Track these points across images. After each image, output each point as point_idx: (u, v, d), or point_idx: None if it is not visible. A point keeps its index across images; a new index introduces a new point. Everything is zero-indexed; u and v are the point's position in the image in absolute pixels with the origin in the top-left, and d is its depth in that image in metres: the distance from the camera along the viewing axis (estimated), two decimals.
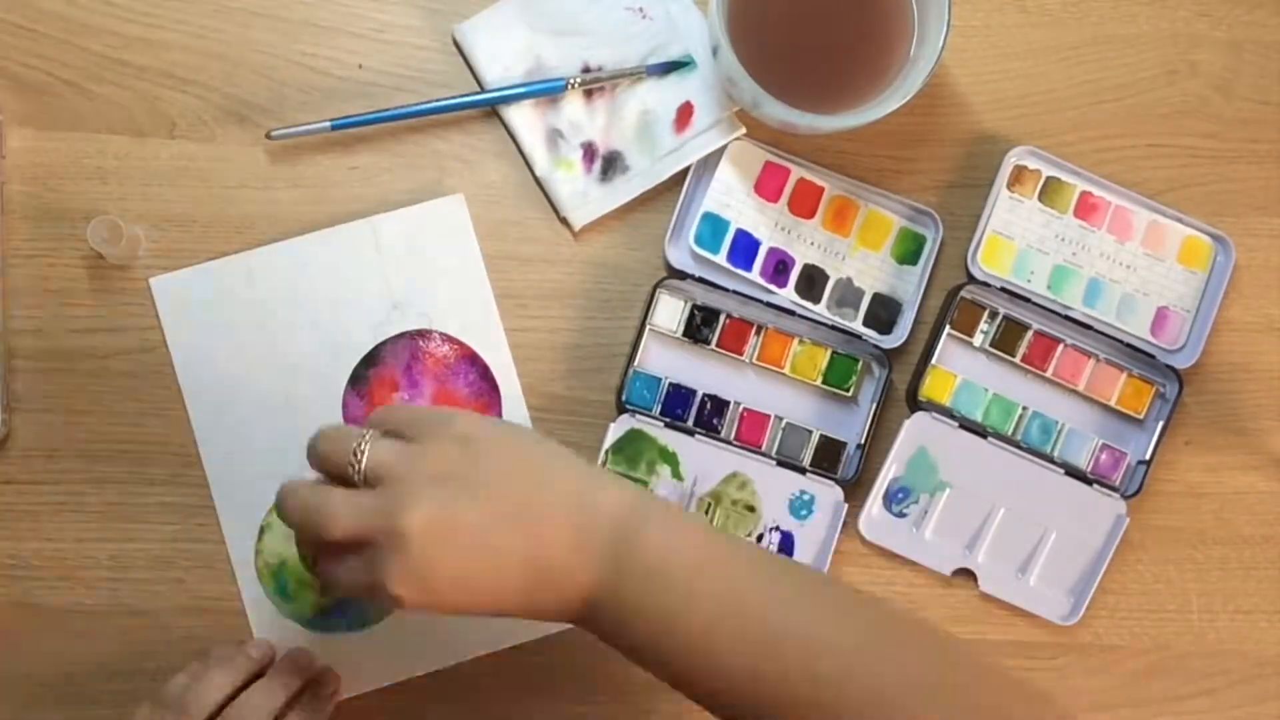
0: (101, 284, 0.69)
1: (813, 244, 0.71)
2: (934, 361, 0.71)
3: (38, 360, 0.69)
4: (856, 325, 0.71)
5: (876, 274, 0.71)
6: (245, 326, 0.69)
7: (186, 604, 0.69)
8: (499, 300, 0.71)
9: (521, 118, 0.70)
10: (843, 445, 0.71)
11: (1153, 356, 0.71)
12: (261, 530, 0.69)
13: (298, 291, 0.69)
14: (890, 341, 0.71)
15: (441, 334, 0.70)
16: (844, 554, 0.71)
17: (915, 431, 0.70)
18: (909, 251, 0.71)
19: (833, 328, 0.71)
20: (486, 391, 0.70)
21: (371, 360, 0.70)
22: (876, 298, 0.71)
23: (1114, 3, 0.74)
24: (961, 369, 0.71)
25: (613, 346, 0.71)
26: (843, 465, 0.71)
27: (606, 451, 0.69)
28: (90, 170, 0.69)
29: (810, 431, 0.71)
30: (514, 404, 0.70)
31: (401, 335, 0.70)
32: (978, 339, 0.71)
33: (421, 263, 0.70)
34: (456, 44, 0.71)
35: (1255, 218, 0.74)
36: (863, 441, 0.70)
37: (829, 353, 0.71)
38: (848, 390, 0.71)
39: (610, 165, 0.71)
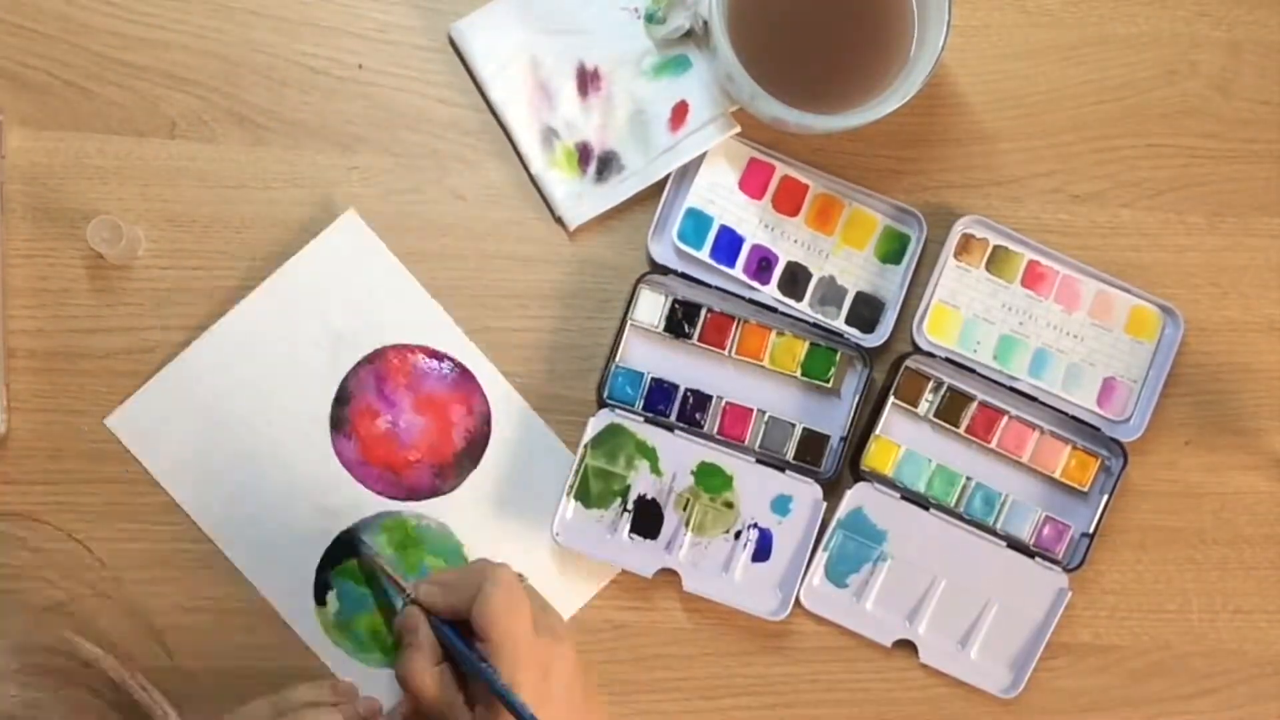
0: (101, 284, 0.69)
1: (796, 242, 0.71)
2: (877, 431, 0.70)
3: (38, 360, 0.69)
4: (839, 324, 0.71)
5: (860, 273, 0.71)
6: (212, 422, 0.69)
7: (186, 604, 0.69)
8: (499, 300, 0.71)
9: (517, 117, 0.70)
10: (826, 438, 0.71)
11: (1098, 429, 0.71)
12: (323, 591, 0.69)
13: (244, 368, 0.69)
14: (872, 340, 0.71)
15: (393, 347, 0.70)
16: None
17: (857, 502, 0.70)
18: (892, 251, 0.71)
19: (815, 326, 0.71)
20: (460, 379, 0.70)
21: (342, 399, 0.70)
22: (859, 296, 0.71)
23: (1114, 3, 0.74)
24: (905, 439, 0.71)
25: (606, 344, 0.71)
26: (826, 458, 0.71)
27: (585, 446, 0.69)
28: (90, 170, 0.69)
29: (793, 425, 0.71)
30: (488, 376, 0.70)
31: (358, 365, 0.70)
32: (922, 409, 0.71)
33: (345, 288, 0.69)
34: (452, 42, 0.71)
35: (1255, 218, 0.74)
36: (846, 434, 0.70)
37: (806, 343, 0.71)
38: (828, 381, 0.71)
39: (606, 165, 0.71)
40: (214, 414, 0.69)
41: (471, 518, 0.70)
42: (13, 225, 0.69)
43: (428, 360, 0.70)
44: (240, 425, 0.69)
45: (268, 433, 0.69)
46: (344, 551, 0.69)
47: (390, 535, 0.69)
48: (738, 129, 0.70)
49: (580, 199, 0.70)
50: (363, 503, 0.69)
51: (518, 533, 0.70)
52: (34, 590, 0.67)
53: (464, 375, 0.70)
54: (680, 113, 0.70)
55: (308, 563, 0.69)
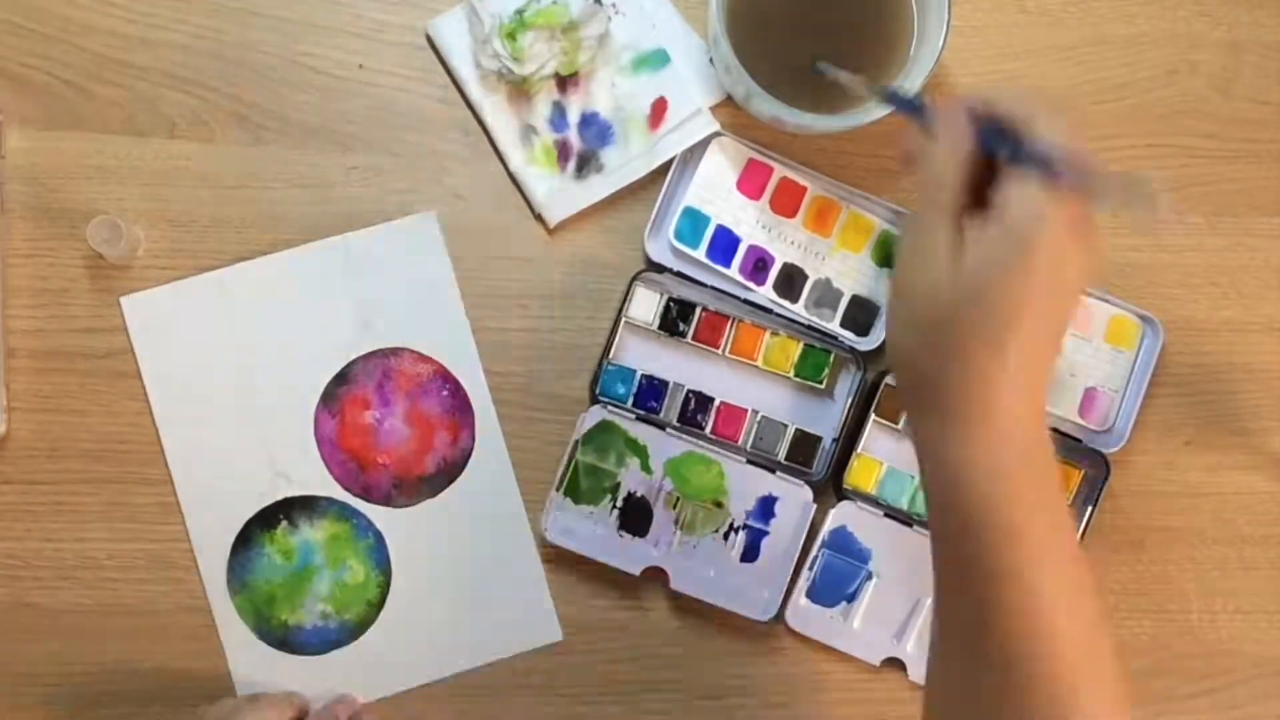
0: (101, 284, 0.69)
1: (793, 243, 0.71)
2: (859, 449, 0.70)
3: (38, 360, 0.69)
4: (834, 326, 0.71)
5: (856, 276, 0.71)
6: (216, 344, 0.69)
7: (186, 604, 0.69)
8: (498, 300, 0.71)
9: (495, 114, 0.70)
10: (818, 440, 0.71)
11: (1079, 440, 0.71)
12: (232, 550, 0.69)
13: (269, 309, 0.69)
14: (867, 344, 0.70)
15: (413, 352, 0.70)
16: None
17: (840, 521, 0.70)
18: (889, 255, 0.71)
19: (810, 328, 0.71)
20: (458, 409, 0.70)
21: (343, 378, 0.70)
22: (855, 300, 0.71)
23: (1114, 3, 0.74)
24: (886, 456, 0.71)
25: (600, 343, 0.71)
26: (818, 460, 0.71)
27: (576, 441, 0.69)
28: (90, 170, 0.69)
29: (786, 426, 0.71)
30: (486, 421, 0.70)
31: (373, 353, 0.70)
32: (902, 425, 0.71)
33: (393, 281, 0.70)
34: (429, 40, 0.70)
35: (1255, 218, 0.74)
36: (837, 436, 0.70)
37: (800, 345, 0.71)
38: (820, 382, 0.71)
39: (585, 162, 0.70)
40: (222, 338, 0.69)
41: (408, 540, 0.69)
42: (13, 225, 0.69)
43: (437, 378, 0.70)
44: (240, 360, 0.69)
45: (261, 379, 0.69)
46: (279, 513, 0.69)
47: (329, 522, 0.69)
48: (717, 126, 0.70)
49: (560, 196, 0.70)
50: (317, 481, 0.69)
51: (445, 575, 0.69)
52: None
53: (463, 407, 0.70)
54: (659, 110, 0.70)
55: (240, 513, 0.69)
